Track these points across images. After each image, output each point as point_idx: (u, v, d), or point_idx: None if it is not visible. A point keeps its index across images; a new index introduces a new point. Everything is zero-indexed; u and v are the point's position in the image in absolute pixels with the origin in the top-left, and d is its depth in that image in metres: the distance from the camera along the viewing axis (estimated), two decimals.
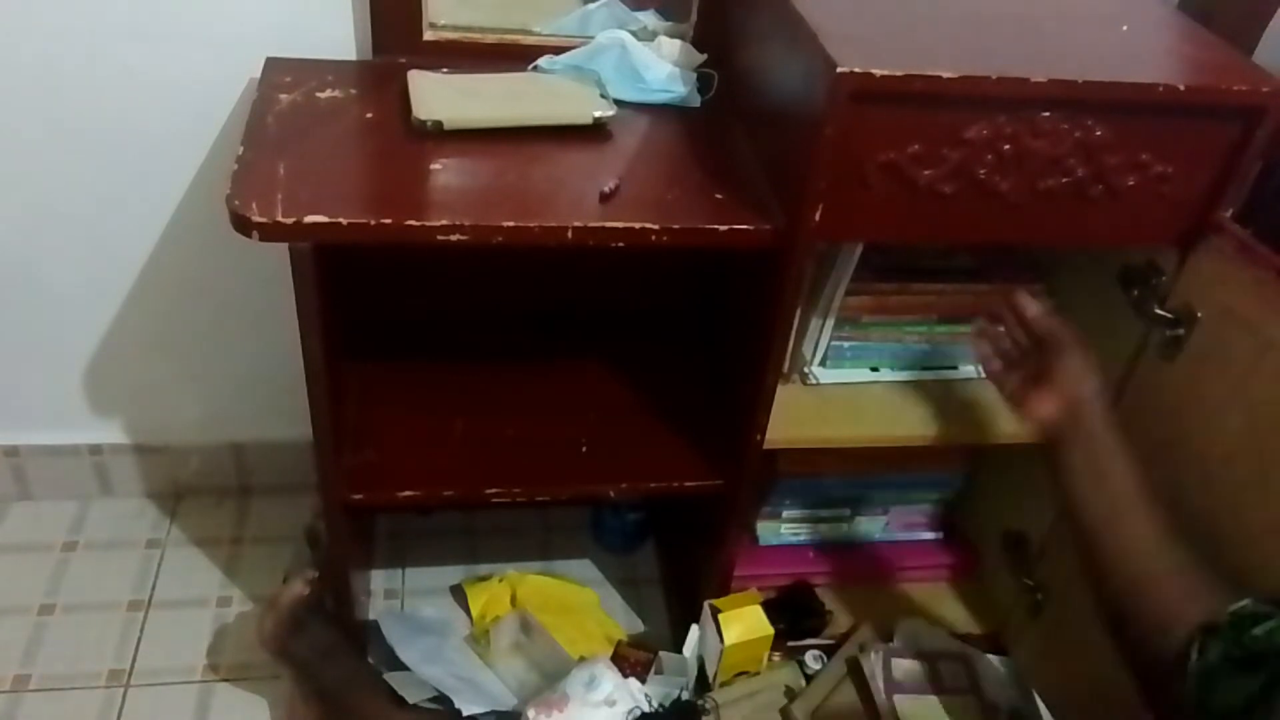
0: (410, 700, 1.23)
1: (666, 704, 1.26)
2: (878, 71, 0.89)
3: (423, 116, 1.06)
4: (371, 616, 1.43)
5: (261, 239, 0.92)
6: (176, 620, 1.44)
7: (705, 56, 1.23)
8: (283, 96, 1.11)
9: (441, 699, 1.24)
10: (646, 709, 1.23)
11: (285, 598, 1.21)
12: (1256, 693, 0.79)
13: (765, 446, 1.17)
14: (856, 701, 1.30)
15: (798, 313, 1.17)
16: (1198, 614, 0.88)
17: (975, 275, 1.25)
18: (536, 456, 1.24)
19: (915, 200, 0.98)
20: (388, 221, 0.94)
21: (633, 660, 1.33)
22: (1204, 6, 1.17)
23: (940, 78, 0.90)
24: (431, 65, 1.16)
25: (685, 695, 1.29)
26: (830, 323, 1.23)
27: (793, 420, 1.20)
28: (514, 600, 1.47)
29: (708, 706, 1.26)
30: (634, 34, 1.20)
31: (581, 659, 1.31)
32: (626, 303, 1.43)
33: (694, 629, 1.34)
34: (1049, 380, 1.02)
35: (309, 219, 0.92)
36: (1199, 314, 1.05)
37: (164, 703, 1.34)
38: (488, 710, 1.26)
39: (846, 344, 1.26)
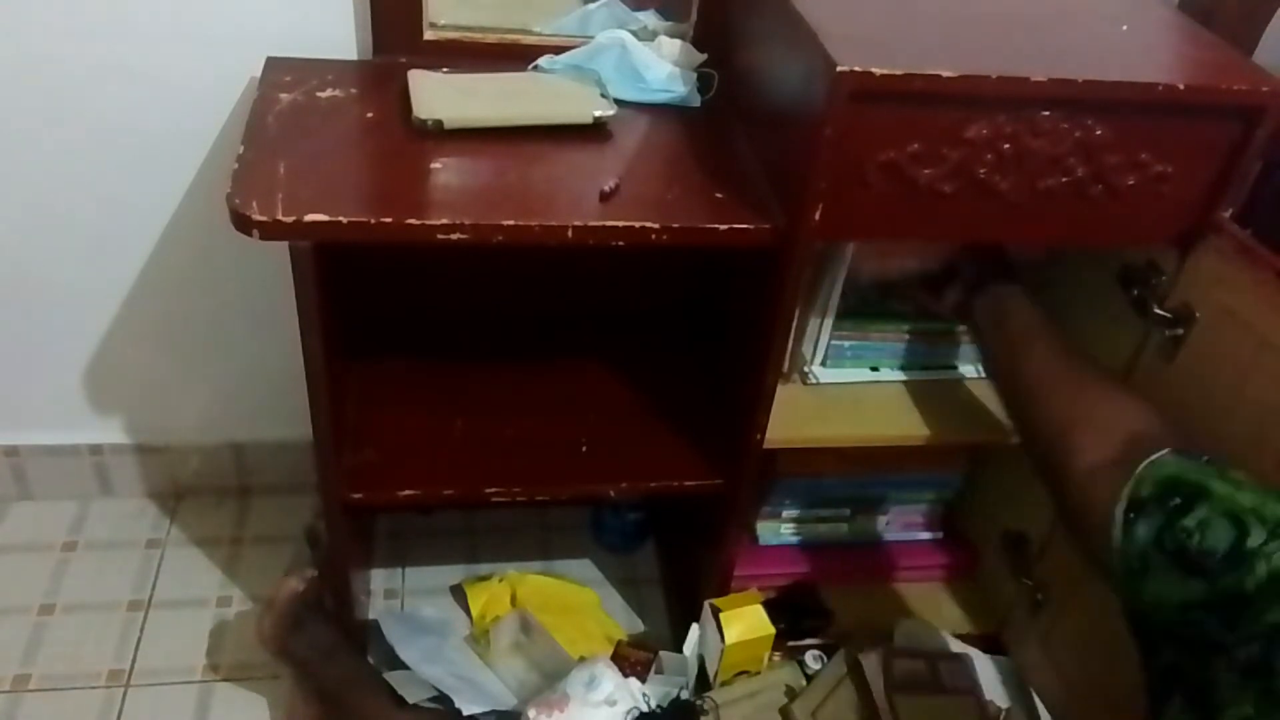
0: (410, 700, 1.23)
1: (665, 704, 1.26)
2: (877, 70, 0.89)
3: (423, 116, 1.06)
4: (371, 616, 1.43)
5: (262, 238, 0.92)
6: (176, 620, 1.44)
7: (705, 56, 1.23)
8: (283, 96, 1.11)
9: (441, 699, 1.24)
10: (646, 709, 1.23)
11: (282, 595, 1.21)
12: (1197, 602, 0.76)
13: (765, 446, 1.17)
14: (856, 701, 1.29)
15: (796, 312, 1.17)
16: (1105, 433, 0.89)
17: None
18: (536, 456, 1.24)
19: (915, 200, 0.98)
20: (388, 220, 0.94)
21: (633, 660, 1.33)
22: (1204, 6, 1.17)
23: (940, 77, 0.90)
24: (432, 65, 1.16)
25: (685, 695, 1.29)
26: (829, 322, 1.23)
27: (793, 420, 1.20)
28: (514, 600, 1.47)
29: (706, 707, 1.26)
30: (634, 34, 1.20)
31: (581, 659, 1.31)
32: (627, 303, 1.43)
33: (694, 628, 1.34)
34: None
35: (309, 218, 0.92)
36: (1198, 314, 1.05)
37: (164, 703, 1.34)
38: (488, 710, 1.26)
39: (846, 344, 1.26)
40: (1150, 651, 0.82)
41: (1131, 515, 0.81)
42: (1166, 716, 0.78)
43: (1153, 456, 0.83)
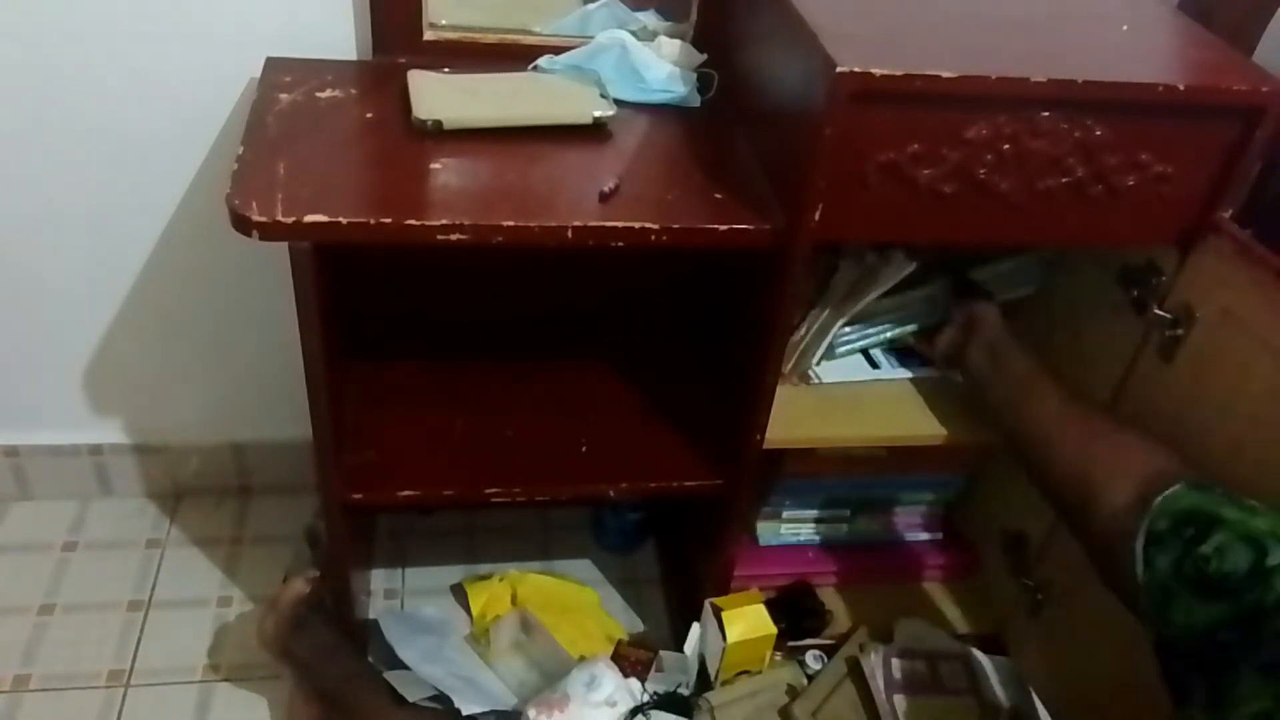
0: (410, 699, 1.23)
1: (661, 692, 1.26)
2: (877, 71, 0.89)
3: (423, 116, 1.06)
4: (371, 616, 1.43)
5: (261, 238, 0.92)
6: (176, 620, 1.44)
7: (705, 56, 1.22)
8: (283, 96, 1.11)
9: (441, 698, 1.24)
10: (641, 702, 1.23)
11: (286, 597, 1.21)
12: (1222, 621, 0.79)
13: (765, 446, 1.17)
14: (856, 701, 1.30)
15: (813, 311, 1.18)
16: (1120, 474, 0.93)
17: None
18: (536, 456, 1.24)
19: (915, 200, 0.98)
20: (387, 221, 0.94)
21: (633, 660, 1.33)
22: (1204, 6, 1.17)
23: (940, 77, 0.90)
24: (432, 65, 1.16)
25: (684, 692, 1.29)
26: (840, 323, 1.23)
27: (793, 420, 1.20)
28: (514, 599, 1.47)
29: (701, 705, 1.26)
30: (634, 34, 1.20)
31: (582, 659, 1.31)
32: (626, 303, 1.43)
33: (695, 627, 1.34)
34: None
35: (309, 218, 0.92)
36: (1198, 314, 1.05)
37: (164, 703, 1.34)
38: (488, 710, 1.26)
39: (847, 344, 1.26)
40: (1176, 673, 0.85)
41: (1150, 549, 0.85)
42: (1185, 715, 0.81)
43: (1167, 491, 0.87)
